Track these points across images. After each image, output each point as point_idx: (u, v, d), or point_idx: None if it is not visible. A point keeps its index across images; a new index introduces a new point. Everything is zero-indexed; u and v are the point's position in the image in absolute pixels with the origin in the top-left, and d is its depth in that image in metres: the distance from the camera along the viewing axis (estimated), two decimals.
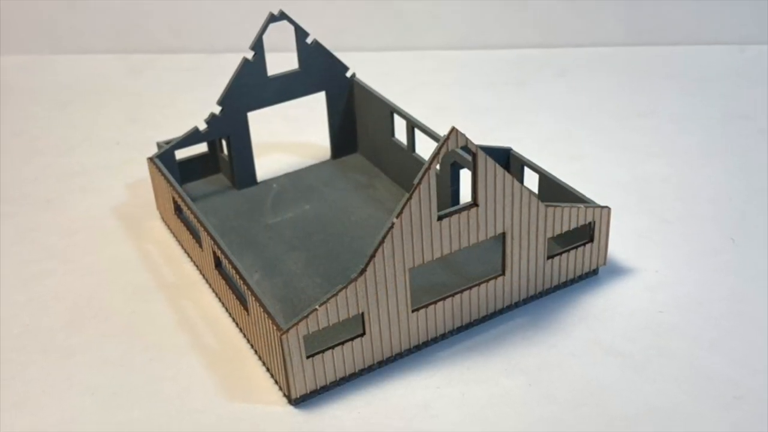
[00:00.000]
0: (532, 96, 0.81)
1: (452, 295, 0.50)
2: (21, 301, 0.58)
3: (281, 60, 0.67)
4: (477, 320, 0.52)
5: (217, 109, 0.65)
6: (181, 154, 0.67)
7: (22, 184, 0.72)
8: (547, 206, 0.51)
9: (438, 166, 0.59)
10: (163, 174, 0.61)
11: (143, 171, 0.71)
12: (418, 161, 0.64)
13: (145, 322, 0.55)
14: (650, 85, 0.81)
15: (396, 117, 0.65)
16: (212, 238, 0.53)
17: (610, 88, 0.81)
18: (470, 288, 0.51)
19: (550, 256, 0.53)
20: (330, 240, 0.60)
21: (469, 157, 0.55)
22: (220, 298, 0.56)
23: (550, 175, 0.57)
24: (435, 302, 0.50)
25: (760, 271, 0.55)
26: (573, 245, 0.54)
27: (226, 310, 0.55)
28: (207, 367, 0.51)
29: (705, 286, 0.54)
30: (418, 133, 0.64)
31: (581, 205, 0.52)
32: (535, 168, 0.57)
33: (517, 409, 0.47)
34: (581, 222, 0.53)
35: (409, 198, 0.45)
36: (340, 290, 0.46)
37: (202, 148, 0.69)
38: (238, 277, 0.50)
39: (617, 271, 0.56)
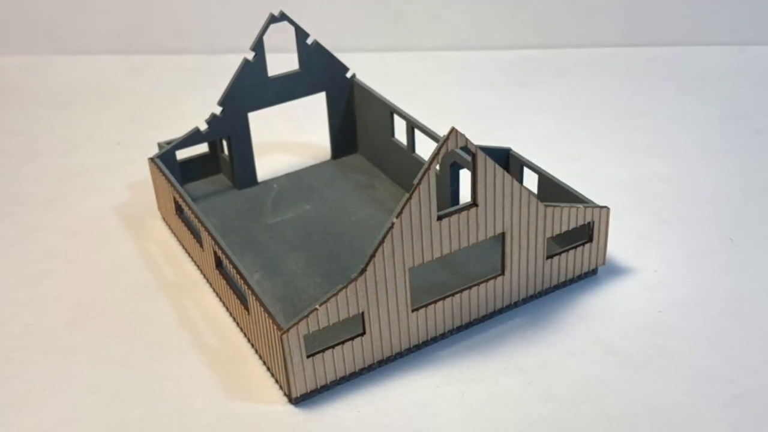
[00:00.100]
0: (532, 96, 0.81)
1: (452, 295, 0.51)
2: (22, 301, 0.58)
3: (282, 61, 0.68)
4: (476, 320, 0.52)
5: (217, 110, 0.65)
6: (182, 154, 0.67)
7: (24, 184, 0.72)
8: (546, 206, 0.51)
9: (438, 167, 0.59)
10: (164, 174, 0.61)
11: (144, 171, 0.71)
12: (418, 161, 0.64)
13: (146, 321, 0.55)
14: (649, 86, 0.81)
15: (396, 117, 0.66)
16: (213, 238, 0.53)
17: (610, 89, 0.81)
18: (470, 288, 0.51)
19: (550, 256, 0.53)
20: (330, 240, 0.60)
21: (469, 158, 0.55)
22: (220, 298, 0.56)
23: (550, 175, 0.57)
24: (435, 302, 0.50)
25: (758, 270, 0.55)
26: (572, 245, 0.54)
27: (227, 309, 0.55)
28: (208, 367, 0.51)
29: (704, 285, 0.54)
30: (417, 133, 0.64)
31: (580, 205, 0.52)
32: (534, 168, 0.58)
33: (516, 408, 0.47)
34: (580, 222, 0.53)
35: (409, 198, 0.46)
36: (341, 290, 0.46)
37: (202, 148, 0.69)
38: (238, 276, 0.50)
39: (616, 270, 0.56)
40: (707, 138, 0.71)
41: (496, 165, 0.47)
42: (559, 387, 0.48)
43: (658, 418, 0.46)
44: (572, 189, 0.56)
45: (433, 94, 0.83)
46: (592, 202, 0.54)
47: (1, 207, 0.69)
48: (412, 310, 0.49)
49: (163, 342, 0.53)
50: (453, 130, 0.45)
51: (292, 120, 0.78)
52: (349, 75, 0.69)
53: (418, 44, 0.94)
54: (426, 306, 0.50)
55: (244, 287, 0.49)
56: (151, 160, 0.63)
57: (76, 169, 0.74)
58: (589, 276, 0.56)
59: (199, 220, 0.55)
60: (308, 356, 0.47)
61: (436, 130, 0.63)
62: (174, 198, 0.60)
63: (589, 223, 0.53)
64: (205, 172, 0.69)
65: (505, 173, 0.48)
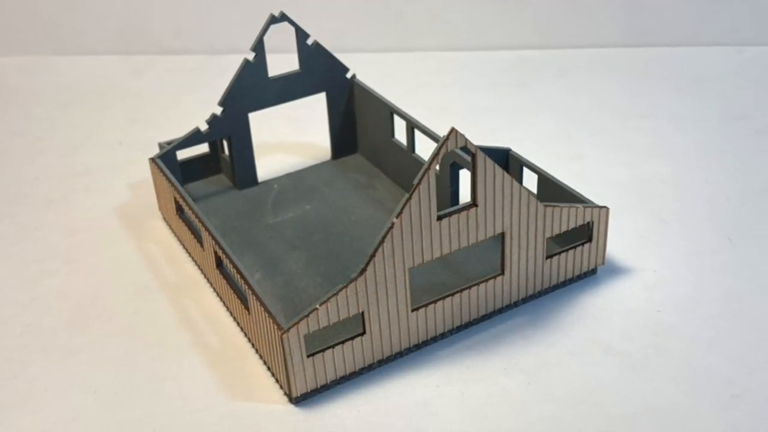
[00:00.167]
0: (532, 97, 0.81)
1: (452, 295, 0.51)
2: (23, 301, 0.58)
3: (282, 61, 0.68)
4: (476, 319, 0.53)
5: (218, 110, 0.65)
6: (182, 154, 0.67)
7: (25, 184, 0.72)
8: (545, 206, 0.51)
9: (438, 167, 0.59)
10: (164, 174, 0.61)
11: (145, 171, 0.71)
12: (418, 162, 0.64)
13: (147, 321, 0.55)
14: (649, 86, 0.81)
15: (396, 118, 0.66)
16: (213, 237, 0.53)
17: (610, 89, 0.82)
18: (469, 287, 0.51)
19: (549, 256, 0.53)
20: (330, 240, 0.61)
21: (469, 158, 0.56)
22: (221, 298, 0.56)
23: (549, 175, 0.57)
24: (435, 301, 0.50)
25: (757, 270, 0.55)
26: (572, 245, 0.54)
27: (227, 309, 0.55)
28: (208, 366, 0.51)
29: (703, 285, 0.55)
30: (417, 133, 0.64)
31: (580, 205, 0.53)
32: (534, 168, 0.58)
33: (516, 407, 0.47)
34: (580, 222, 0.53)
35: (409, 198, 0.46)
36: (341, 290, 0.46)
37: (203, 148, 0.69)
38: (239, 276, 0.50)
39: (616, 270, 0.56)
40: (706, 138, 0.71)
41: (496, 165, 0.47)
42: (558, 387, 0.48)
43: (658, 418, 0.46)
44: (572, 189, 0.56)
45: (433, 95, 0.83)
46: (592, 202, 0.55)
47: (2, 207, 0.69)
48: (412, 310, 0.50)
49: (163, 342, 0.53)
50: (453, 131, 0.45)
51: (292, 120, 0.78)
52: (349, 75, 0.69)
53: (418, 45, 0.94)
54: (426, 306, 0.50)
55: (244, 287, 0.49)
56: (152, 160, 0.64)
57: (77, 169, 0.74)
58: (588, 276, 0.56)
59: (200, 220, 0.55)
60: (308, 356, 0.47)
61: (436, 131, 0.63)
62: (175, 198, 0.60)
63: (588, 223, 0.54)
64: (206, 172, 0.69)
65: (505, 173, 0.48)
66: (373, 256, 0.46)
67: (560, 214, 0.52)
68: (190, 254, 0.61)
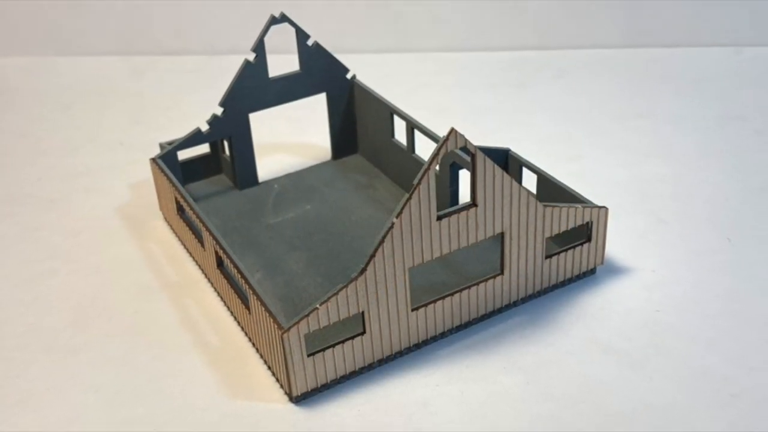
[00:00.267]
0: (531, 97, 0.82)
1: (451, 294, 0.51)
2: (25, 300, 0.58)
3: (282, 62, 0.68)
4: (476, 319, 0.53)
5: (219, 111, 0.65)
6: (183, 154, 0.67)
7: (26, 185, 0.72)
8: (545, 206, 0.51)
9: (437, 167, 0.59)
10: (165, 174, 0.61)
11: (146, 172, 0.72)
12: (418, 162, 0.64)
13: (148, 321, 0.56)
14: (647, 87, 0.82)
15: (396, 118, 0.66)
16: (214, 237, 0.53)
17: (609, 90, 0.82)
18: (469, 287, 0.51)
19: (548, 256, 0.53)
20: (330, 240, 0.61)
21: (468, 158, 0.56)
22: (222, 298, 0.56)
23: (548, 175, 0.57)
24: (434, 301, 0.50)
25: (755, 270, 0.56)
26: (571, 245, 0.54)
27: (228, 309, 0.56)
28: (209, 365, 0.52)
29: (701, 285, 0.55)
30: (417, 134, 0.64)
31: (579, 206, 0.53)
32: (533, 168, 0.58)
33: (515, 406, 0.47)
34: (579, 222, 0.53)
35: (409, 198, 0.46)
36: (341, 289, 0.46)
37: (204, 149, 0.69)
38: (239, 276, 0.50)
39: (615, 270, 0.57)
40: (705, 138, 0.72)
41: (496, 165, 0.47)
42: (557, 386, 0.48)
43: (656, 417, 0.46)
44: (571, 189, 0.56)
45: (432, 95, 0.84)
46: (591, 202, 0.55)
47: (4, 207, 0.69)
48: (412, 310, 0.50)
49: (164, 341, 0.54)
50: (452, 131, 0.45)
51: (292, 121, 0.78)
52: (349, 76, 0.69)
53: (418, 45, 0.94)
54: (426, 305, 0.50)
55: (245, 287, 0.50)
56: (153, 160, 0.64)
57: (78, 170, 0.74)
58: (587, 276, 0.56)
59: (201, 220, 0.55)
60: (309, 355, 0.47)
61: (436, 131, 0.64)
62: (175, 198, 0.60)
63: (587, 223, 0.54)
64: (207, 172, 0.70)
65: (504, 173, 0.48)
66: (373, 255, 0.46)
67: (559, 214, 0.52)
68: (190, 254, 0.61)
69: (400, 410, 0.47)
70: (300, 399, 0.48)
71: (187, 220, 0.60)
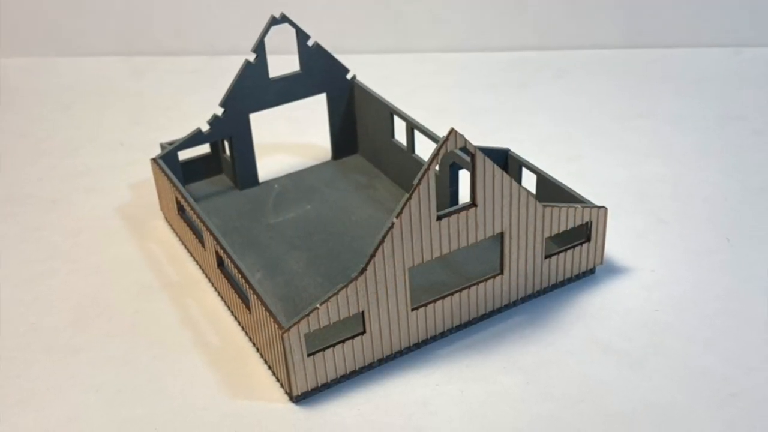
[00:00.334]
0: (531, 98, 0.82)
1: (451, 294, 0.51)
2: (26, 300, 0.58)
3: (283, 62, 0.68)
4: (476, 319, 0.53)
5: (219, 111, 0.65)
6: (184, 155, 0.67)
7: (27, 185, 0.72)
8: (544, 206, 0.51)
9: (437, 167, 0.60)
10: (166, 175, 0.61)
11: (147, 172, 0.72)
12: (418, 162, 0.64)
13: (149, 320, 0.56)
14: (647, 87, 0.82)
15: (396, 118, 0.66)
16: (215, 237, 0.53)
17: (609, 90, 0.82)
18: (469, 287, 0.51)
19: (548, 256, 0.53)
20: (331, 240, 0.61)
21: (468, 158, 0.56)
22: (222, 297, 0.57)
23: (548, 175, 0.57)
24: (434, 301, 0.51)
25: (754, 270, 0.56)
26: (570, 245, 0.54)
27: (229, 308, 0.56)
28: (209, 365, 0.52)
29: (700, 285, 0.55)
30: (417, 134, 0.64)
31: (578, 206, 0.53)
32: (532, 168, 0.58)
33: (515, 406, 0.47)
34: (578, 222, 0.53)
35: (409, 198, 0.46)
36: (341, 289, 0.46)
37: (204, 149, 0.69)
38: (240, 276, 0.50)
39: (614, 270, 0.57)
40: (705, 139, 0.72)
41: (495, 165, 0.48)
42: (557, 385, 0.48)
43: (656, 416, 0.46)
44: (570, 189, 0.56)
45: (432, 96, 0.84)
46: (590, 203, 0.55)
47: (5, 207, 0.69)
48: (412, 309, 0.50)
49: (165, 341, 0.54)
50: (452, 131, 0.46)
51: (292, 121, 0.78)
52: (349, 76, 0.69)
53: (418, 46, 0.94)
54: (426, 305, 0.50)
55: (245, 286, 0.50)
56: (154, 160, 0.64)
57: (79, 170, 0.74)
58: (587, 275, 0.56)
59: (201, 220, 0.55)
60: (309, 355, 0.47)
61: (436, 131, 0.64)
62: (176, 198, 0.61)
63: (587, 223, 0.54)
64: (207, 172, 0.70)
65: (504, 174, 0.48)
66: (373, 255, 0.47)
67: (559, 214, 0.52)
68: (191, 254, 0.61)
69: (400, 410, 0.48)
70: (300, 398, 0.49)
71: (187, 220, 0.60)
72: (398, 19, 0.95)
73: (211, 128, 0.65)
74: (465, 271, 0.56)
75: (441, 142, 0.46)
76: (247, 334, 0.53)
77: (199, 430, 0.47)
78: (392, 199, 0.65)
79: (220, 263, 0.55)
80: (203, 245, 0.57)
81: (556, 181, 0.57)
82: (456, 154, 0.58)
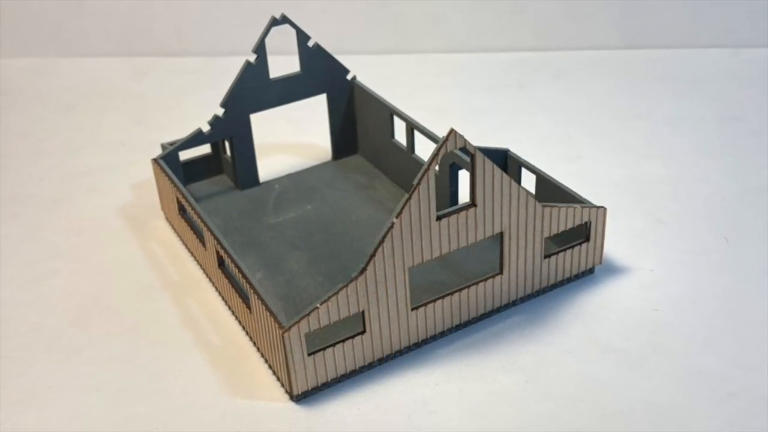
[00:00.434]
0: (531, 98, 0.82)
1: (451, 294, 0.51)
2: (27, 300, 0.58)
3: (283, 63, 0.68)
4: (475, 318, 0.53)
5: (220, 111, 0.65)
6: (184, 155, 0.68)
7: (29, 185, 0.73)
8: (544, 206, 0.51)
9: (437, 167, 0.60)
10: (167, 175, 0.62)
11: (148, 172, 0.72)
12: (418, 162, 0.64)
13: (150, 320, 0.56)
14: (646, 88, 0.82)
15: (396, 119, 0.66)
16: (215, 237, 0.53)
17: (607, 91, 0.82)
18: (469, 287, 0.52)
19: (547, 256, 0.53)
20: (331, 239, 0.61)
21: (468, 158, 0.56)
22: (223, 297, 0.57)
23: (547, 175, 0.58)
24: (434, 301, 0.51)
25: (752, 270, 0.56)
26: (570, 245, 0.54)
27: (229, 308, 0.56)
28: (210, 364, 0.52)
29: (699, 285, 0.55)
30: (417, 134, 0.64)
31: (577, 206, 0.53)
32: (532, 169, 0.58)
33: (514, 405, 0.47)
34: (577, 222, 0.53)
35: (409, 198, 0.46)
36: (341, 289, 0.47)
37: (205, 149, 0.69)
38: (240, 276, 0.50)
39: (613, 270, 0.57)
40: (703, 139, 0.72)
41: (495, 166, 0.48)
42: (556, 385, 0.48)
43: (654, 416, 0.46)
44: (570, 189, 0.56)
45: (432, 96, 0.84)
46: (590, 203, 0.55)
47: (6, 207, 0.70)
48: (412, 309, 0.50)
49: (166, 340, 0.54)
50: (452, 132, 0.46)
51: (293, 121, 0.79)
52: (349, 77, 0.69)
53: (418, 46, 0.94)
54: (425, 305, 0.50)
55: (246, 286, 0.50)
56: (155, 161, 0.64)
57: (80, 170, 0.74)
58: (586, 275, 0.56)
59: (202, 220, 0.55)
60: (309, 354, 0.47)
61: (436, 132, 0.64)
62: (177, 198, 0.61)
63: (586, 223, 0.54)
64: (208, 172, 0.70)
65: (504, 174, 0.48)
66: (373, 255, 0.47)
67: (558, 214, 0.52)
68: (192, 254, 0.62)
69: (400, 409, 0.48)
70: (300, 398, 0.49)
71: (188, 220, 0.60)
72: (398, 19, 0.95)
73: (211, 128, 0.65)
74: (465, 270, 0.56)
75: (441, 143, 0.46)
76: (247, 333, 0.53)
77: (200, 430, 0.47)
78: (392, 199, 0.65)
79: (221, 263, 0.55)
80: (204, 245, 0.57)
81: (556, 181, 0.57)
82: (456, 154, 0.58)
